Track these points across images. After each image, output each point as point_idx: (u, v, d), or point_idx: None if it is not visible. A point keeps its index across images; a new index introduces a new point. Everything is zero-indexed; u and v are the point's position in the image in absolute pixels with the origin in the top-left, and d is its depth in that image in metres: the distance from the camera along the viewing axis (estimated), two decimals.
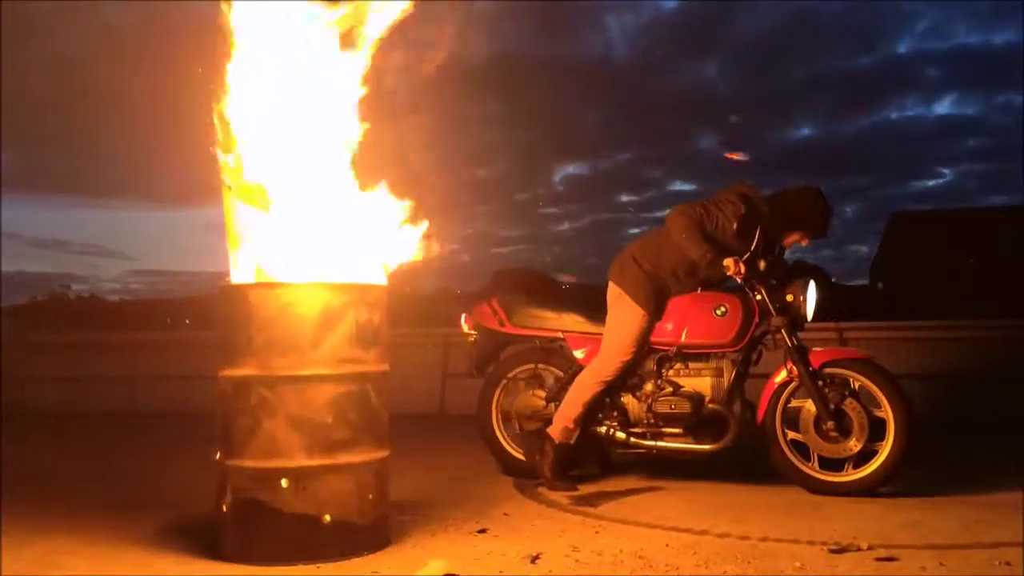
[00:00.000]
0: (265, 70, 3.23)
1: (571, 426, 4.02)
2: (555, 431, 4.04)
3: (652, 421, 4.09)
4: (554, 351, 4.42)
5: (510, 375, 4.48)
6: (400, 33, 3.25)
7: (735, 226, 3.97)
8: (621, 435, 4.14)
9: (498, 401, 4.49)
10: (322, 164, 3.21)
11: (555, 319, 4.40)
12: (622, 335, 4.05)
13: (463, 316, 4.62)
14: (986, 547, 2.89)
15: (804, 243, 4.14)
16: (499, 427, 4.49)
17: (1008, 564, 2.69)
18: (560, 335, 4.37)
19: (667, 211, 4.13)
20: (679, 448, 4.08)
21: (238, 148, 3.20)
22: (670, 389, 4.07)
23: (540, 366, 4.42)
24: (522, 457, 4.42)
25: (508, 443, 4.47)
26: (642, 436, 4.12)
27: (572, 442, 4.03)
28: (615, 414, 4.15)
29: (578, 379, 4.10)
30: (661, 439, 4.10)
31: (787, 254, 4.25)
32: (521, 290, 4.61)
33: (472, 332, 4.59)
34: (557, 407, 4.28)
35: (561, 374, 4.36)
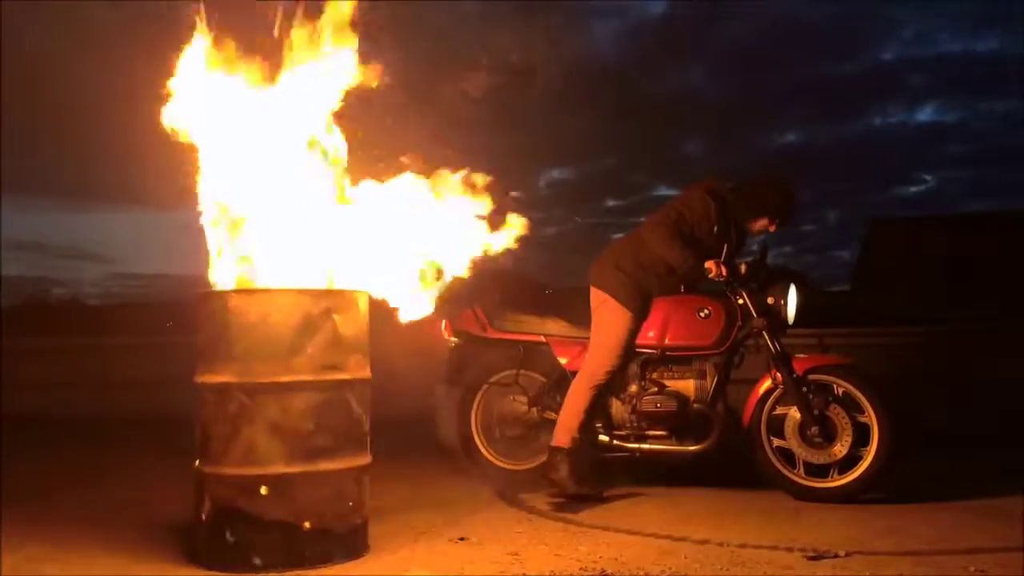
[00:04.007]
0: (244, 73, 3.22)
1: (576, 434, 4.01)
2: (562, 441, 4.00)
3: (636, 423, 4.10)
4: (536, 356, 4.39)
5: (491, 380, 4.46)
6: (380, 40, 3.25)
7: (713, 225, 4.00)
8: (605, 438, 4.15)
9: (479, 407, 4.48)
10: (301, 168, 3.20)
11: (538, 324, 4.39)
12: (610, 338, 4.05)
13: (444, 322, 4.58)
14: (962, 553, 2.91)
15: (772, 229, 4.16)
16: (479, 433, 4.47)
17: (981, 571, 2.71)
18: (543, 340, 4.37)
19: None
20: (663, 450, 4.10)
21: (217, 152, 3.18)
22: (655, 389, 4.09)
23: (522, 371, 4.39)
24: (502, 463, 4.41)
25: (488, 449, 4.45)
26: (626, 439, 4.13)
27: (580, 445, 4.02)
28: (599, 417, 4.15)
29: (572, 388, 4.07)
30: (645, 441, 4.11)
31: (768, 256, 4.26)
32: (503, 295, 4.59)
33: (453, 338, 4.57)
34: (540, 412, 4.29)
35: (543, 379, 4.36)
